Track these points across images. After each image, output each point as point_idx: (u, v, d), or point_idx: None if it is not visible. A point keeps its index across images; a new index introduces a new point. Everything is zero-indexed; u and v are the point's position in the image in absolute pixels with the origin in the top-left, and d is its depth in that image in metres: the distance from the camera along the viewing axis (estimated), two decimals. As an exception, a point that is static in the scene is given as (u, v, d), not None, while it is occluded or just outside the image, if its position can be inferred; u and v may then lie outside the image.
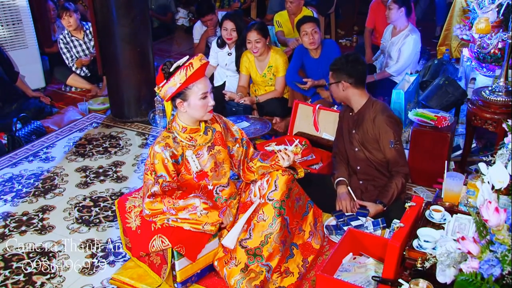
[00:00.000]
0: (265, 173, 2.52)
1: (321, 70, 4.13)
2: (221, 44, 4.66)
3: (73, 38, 5.23)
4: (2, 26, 5.07)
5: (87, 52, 5.28)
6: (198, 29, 5.56)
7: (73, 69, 5.30)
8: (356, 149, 3.02)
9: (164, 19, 7.16)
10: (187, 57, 2.34)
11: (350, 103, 3.00)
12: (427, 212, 2.35)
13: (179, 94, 2.34)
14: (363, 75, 2.97)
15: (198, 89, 2.35)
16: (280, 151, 2.46)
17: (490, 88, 3.34)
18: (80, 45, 5.25)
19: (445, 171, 2.53)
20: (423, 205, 2.41)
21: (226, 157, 2.57)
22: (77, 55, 5.26)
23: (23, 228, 3.19)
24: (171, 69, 2.31)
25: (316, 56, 4.10)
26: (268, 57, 4.33)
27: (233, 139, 2.62)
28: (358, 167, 3.04)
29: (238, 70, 4.60)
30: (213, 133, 2.54)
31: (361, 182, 3.04)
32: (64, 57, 5.26)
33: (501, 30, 3.26)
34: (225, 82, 4.76)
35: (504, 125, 2.07)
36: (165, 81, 2.32)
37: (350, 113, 3.04)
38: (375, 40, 5.52)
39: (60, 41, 5.23)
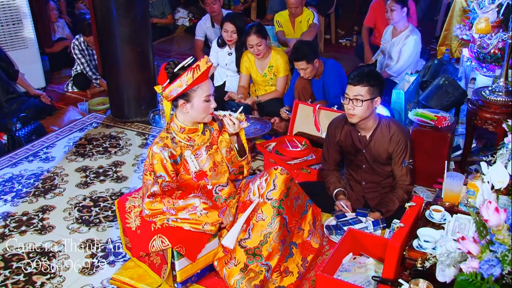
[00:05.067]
0: (264, 172, 2.53)
1: (323, 90, 4.06)
2: (222, 44, 4.66)
3: (88, 47, 5.33)
4: (2, 26, 5.07)
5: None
6: (202, 26, 5.56)
7: (93, 79, 5.37)
8: (364, 166, 2.95)
9: (165, 22, 7.13)
10: (191, 58, 2.35)
11: (366, 123, 2.81)
12: (427, 212, 2.35)
13: (183, 95, 2.35)
14: None
15: (202, 91, 2.35)
16: (225, 116, 2.50)
17: (490, 88, 3.34)
18: (93, 54, 5.36)
19: (445, 171, 2.53)
20: (423, 205, 2.41)
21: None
22: (90, 63, 5.35)
23: (23, 228, 3.19)
24: (175, 70, 2.31)
25: (317, 77, 4.04)
26: (268, 57, 4.32)
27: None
28: (364, 182, 3.00)
29: (238, 71, 4.59)
30: (211, 132, 2.54)
31: (366, 191, 3.01)
32: (79, 61, 5.32)
33: (501, 30, 3.27)
34: (225, 82, 4.76)
35: (504, 125, 2.07)
36: (168, 81, 2.32)
37: (359, 133, 2.88)
38: (375, 40, 5.51)
39: (76, 47, 5.29)
